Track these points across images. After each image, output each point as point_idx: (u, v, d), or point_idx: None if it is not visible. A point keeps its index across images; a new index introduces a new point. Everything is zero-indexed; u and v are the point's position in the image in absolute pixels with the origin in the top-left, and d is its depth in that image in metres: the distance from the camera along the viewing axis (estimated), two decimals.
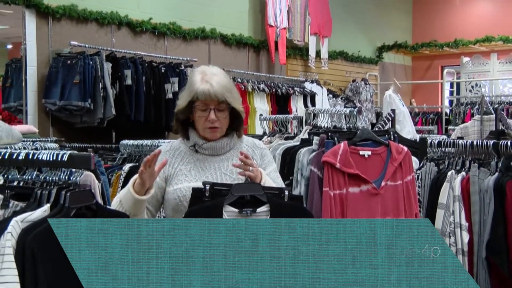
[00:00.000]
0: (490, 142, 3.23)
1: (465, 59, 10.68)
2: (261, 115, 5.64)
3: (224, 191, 2.24)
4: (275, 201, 2.25)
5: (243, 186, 2.27)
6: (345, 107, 8.37)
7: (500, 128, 3.95)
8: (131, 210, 2.26)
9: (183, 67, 6.56)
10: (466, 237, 3.05)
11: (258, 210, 2.22)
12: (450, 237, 3.05)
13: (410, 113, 8.01)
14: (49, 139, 4.59)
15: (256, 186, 2.27)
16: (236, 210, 2.21)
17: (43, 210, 1.87)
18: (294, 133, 4.06)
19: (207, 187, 2.24)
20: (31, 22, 5.73)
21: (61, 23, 5.98)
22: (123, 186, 3.43)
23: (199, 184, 2.34)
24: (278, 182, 2.53)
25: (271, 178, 2.49)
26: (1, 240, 1.74)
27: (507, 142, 3.20)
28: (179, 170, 2.44)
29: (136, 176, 2.28)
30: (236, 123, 2.49)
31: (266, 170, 2.51)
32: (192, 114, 2.43)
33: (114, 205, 2.28)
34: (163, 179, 2.45)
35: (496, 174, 3.11)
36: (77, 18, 6.10)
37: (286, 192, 2.30)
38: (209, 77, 2.38)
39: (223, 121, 2.42)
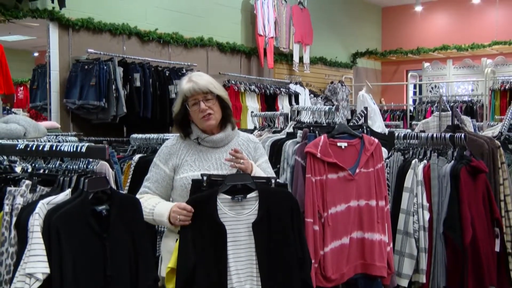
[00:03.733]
0: (447, 135, 3.25)
1: (426, 64, 10.70)
2: (252, 112, 5.63)
3: (219, 181, 2.27)
4: (263, 187, 2.28)
5: (235, 176, 2.30)
6: (324, 105, 8.35)
7: (455, 123, 3.96)
8: (157, 223, 2.38)
9: (184, 71, 6.53)
10: (427, 215, 3.07)
11: (248, 196, 2.26)
12: (413, 215, 3.07)
13: (380, 110, 8.00)
14: (69, 133, 4.56)
15: (246, 176, 2.30)
16: (229, 197, 2.25)
17: (65, 194, 1.87)
18: (281, 128, 4.06)
19: (205, 178, 2.26)
20: (54, 33, 5.71)
21: (80, 33, 5.94)
22: (134, 174, 3.43)
23: (202, 173, 2.36)
24: (269, 171, 2.56)
25: (262, 168, 2.52)
26: (30, 220, 1.73)
27: (461, 135, 3.23)
28: (185, 161, 2.45)
29: (174, 208, 2.26)
30: (227, 113, 2.50)
31: (258, 160, 2.55)
32: (188, 114, 2.44)
33: (144, 208, 2.25)
34: (172, 170, 2.45)
35: (452, 162, 3.13)
36: (93, 29, 6.06)
37: (273, 180, 2.33)
38: (193, 78, 2.44)
39: (214, 108, 2.43)
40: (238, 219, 2.24)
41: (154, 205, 2.33)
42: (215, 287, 2.18)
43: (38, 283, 1.67)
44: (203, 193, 2.25)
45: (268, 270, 2.23)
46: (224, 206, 2.24)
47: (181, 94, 2.43)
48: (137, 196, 2.33)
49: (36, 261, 1.68)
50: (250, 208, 2.26)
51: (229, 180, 2.26)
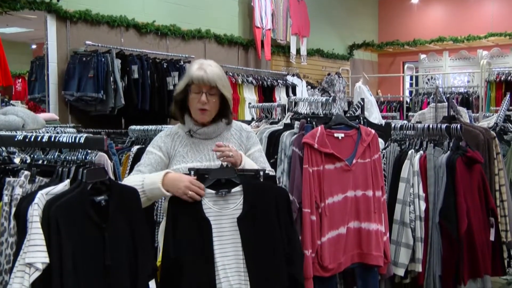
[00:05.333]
0: (443, 126, 3.25)
1: (422, 56, 10.70)
2: (249, 103, 5.64)
3: (207, 175, 2.25)
4: (247, 181, 2.25)
5: (219, 171, 2.27)
6: (321, 96, 8.36)
7: (451, 113, 3.96)
8: (152, 197, 2.25)
9: (182, 63, 6.52)
10: (423, 205, 3.08)
11: (233, 190, 2.24)
12: (410, 205, 3.07)
13: (377, 101, 8.01)
14: (68, 125, 4.56)
15: (230, 170, 2.26)
16: (213, 191, 2.22)
17: (64, 185, 1.86)
18: (278, 119, 4.05)
19: (192, 172, 2.24)
20: (52, 25, 5.69)
21: (78, 25, 5.92)
22: (132, 165, 3.42)
23: (195, 164, 2.35)
24: (261, 161, 2.51)
25: (255, 157, 2.49)
26: (29, 210, 1.73)
27: (457, 126, 3.23)
28: (178, 152, 2.43)
29: (168, 172, 2.23)
30: (225, 110, 2.47)
31: (251, 149, 2.51)
32: (187, 96, 2.42)
33: (134, 183, 2.21)
34: (167, 156, 2.43)
35: (448, 152, 3.14)
36: (91, 21, 6.04)
37: (262, 173, 2.29)
38: (204, 66, 2.39)
39: (212, 105, 2.40)
40: (222, 213, 2.21)
41: (143, 177, 2.26)
42: (203, 282, 2.15)
43: (38, 273, 1.67)
44: None
45: (255, 265, 2.19)
46: (209, 201, 2.21)
47: (188, 76, 2.38)
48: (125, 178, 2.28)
49: (36, 251, 1.68)
50: (235, 203, 2.23)
51: (213, 175, 2.23)
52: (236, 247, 2.20)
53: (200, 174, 2.24)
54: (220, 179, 2.24)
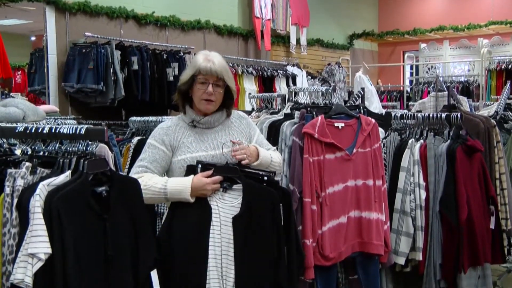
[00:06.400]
0: (444, 115, 3.25)
1: (423, 45, 10.66)
2: (249, 94, 5.62)
3: (210, 169, 2.31)
4: (248, 182, 2.31)
5: (224, 168, 2.32)
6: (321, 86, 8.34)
7: (451, 102, 3.95)
8: (171, 200, 2.31)
9: (182, 54, 6.50)
10: (423, 194, 3.08)
11: (234, 186, 2.30)
12: (410, 194, 3.08)
13: (377, 91, 8.00)
14: (68, 117, 4.56)
15: (234, 169, 2.32)
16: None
17: (65, 176, 1.87)
18: (278, 109, 4.04)
19: (200, 166, 2.31)
20: (51, 17, 5.67)
21: (77, 17, 5.91)
22: (133, 156, 3.42)
23: (200, 154, 2.38)
24: (265, 143, 2.61)
25: (261, 143, 2.56)
26: (31, 201, 1.74)
27: (457, 114, 3.23)
28: (182, 143, 2.43)
29: (198, 180, 2.28)
30: (228, 101, 2.50)
31: (254, 136, 2.57)
32: (192, 87, 2.42)
33: (155, 188, 2.27)
34: (170, 150, 2.44)
35: (448, 141, 3.14)
36: (90, 13, 6.02)
37: (266, 178, 2.35)
38: (211, 57, 2.41)
39: (218, 96, 2.42)
40: (220, 206, 2.28)
41: (165, 183, 2.31)
42: (195, 264, 2.22)
43: (41, 263, 1.69)
44: None
45: (241, 265, 2.24)
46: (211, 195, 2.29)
47: (195, 67, 2.40)
48: (135, 176, 2.30)
49: (38, 242, 1.69)
50: (234, 201, 2.29)
51: (217, 172, 2.29)
52: (228, 245, 2.25)
53: (206, 168, 2.31)
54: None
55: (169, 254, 2.23)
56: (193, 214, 2.26)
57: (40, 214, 1.72)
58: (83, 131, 2.02)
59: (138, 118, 3.82)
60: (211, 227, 2.25)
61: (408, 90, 10.26)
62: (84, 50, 5.56)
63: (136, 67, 5.85)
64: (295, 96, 3.83)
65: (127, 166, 3.45)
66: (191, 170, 2.32)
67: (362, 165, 2.90)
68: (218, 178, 2.28)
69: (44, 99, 5.72)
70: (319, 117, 2.85)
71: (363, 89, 4.07)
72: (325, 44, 10.09)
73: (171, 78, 6.17)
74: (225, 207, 2.28)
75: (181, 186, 2.27)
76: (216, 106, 2.45)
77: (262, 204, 2.30)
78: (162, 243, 2.23)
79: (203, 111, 2.44)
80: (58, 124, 3.04)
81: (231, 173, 2.30)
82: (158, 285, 2.26)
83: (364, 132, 2.90)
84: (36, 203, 1.73)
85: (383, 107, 7.13)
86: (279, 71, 8.16)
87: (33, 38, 6.65)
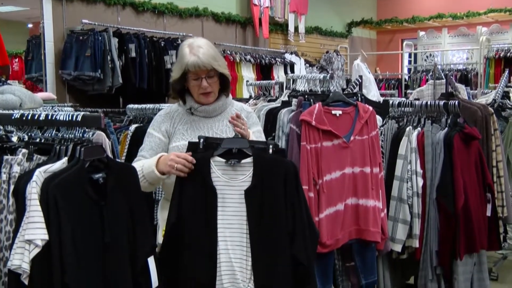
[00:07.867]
0: (441, 102, 3.25)
1: (421, 33, 10.62)
2: (247, 81, 5.60)
3: (215, 144, 2.21)
4: (258, 154, 2.20)
5: (232, 140, 2.22)
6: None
7: (449, 90, 3.95)
8: (152, 182, 2.27)
9: (179, 41, 6.47)
10: (420, 182, 3.09)
11: (243, 161, 2.18)
12: (407, 182, 3.09)
13: (375, 79, 8.00)
14: (65, 104, 4.54)
15: (243, 141, 2.22)
16: (223, 160, 2.18)
17: (62, 162, 1.86)
18: (276, 97, 4.04)
19: (201, 140, 2.21)
20: (48, 3, 5.63)
21: (74, 4, 5.86)
22: (130, 144, 3.42)
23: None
24: (261, 139, 2.53)
25: (255, 137, 2.49)
26: (28, 188, 1.73)
27: (455, 102, 3.22)
28: (178, 129, 2.43)
29: (162, 155, 2.25)
30: (224, 85, 2.48)
31: (251, 129, 2.50)
32: (186, 83, 2.41)
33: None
34: (166, 136, 2.44)
35: (446, 129, 3.14)
36: (87, 0, 5.98)
37: (271, 146, 2.21)
38: (195, 50, 2.35)
39: (214, 86, 2.41)
40: (231, 184, 2.17)
41: (143, 163, 2.29)
42: (204, 251, 2.13)
43: (38, 249, 1.69)
44: (197, 155, 2.18)
45: (258, 240, 2.13)
46: (218, 170, 2.18)
47: (183, 65, 2.34)
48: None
49: (35, 228, 1.69)
50: (244, 174, 2.18)
51: (225, 144, 2.18)
52: (241, 220, 2.14)
53: (210, 143, 2.21)
54: (231, 150, 2.19)
55: (175, 237, 2.16)
56: (197, 196, 2.16)
57: (37, 200, 1.71)
58: (79, 118, 2.01)
59: (136, 106, 3.81)
60: (218, 208, 2.14)
61: (406, 78, 10.25)
62: (81, 37, 5.54)
63: (133, 54, 5.83)
64: (293, 83, 3.82)
65: (124, 154, 3.45)
66: (193, 146, 2.21)
67: (360, 153, 2.89)
68: (186, 155, 2.15)
69: (42, 86, 5.70)
70: (317, 105, 2.84)
71: (361, 77, 4.05)
72: (323, 32, 10.05)
73: (169, 66, 6.15)
74: (235, 183, 2.16)
75: (151, 160, 2.26)
76: (216, 95, 2.44)
77: (274, 175, 2.17)
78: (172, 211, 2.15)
79: (204, 103, 2.43)
80: (54, 111, 3.04)
81: (240, 144, 2.19)
82: (155, 273, 2.25)
83: (361, 119, 2.90)
84: (33, 190, 1.72)
85: (381, 95, 7.13)
86: (277, 59, 8.13)
87: (30, 25, 6.60)
